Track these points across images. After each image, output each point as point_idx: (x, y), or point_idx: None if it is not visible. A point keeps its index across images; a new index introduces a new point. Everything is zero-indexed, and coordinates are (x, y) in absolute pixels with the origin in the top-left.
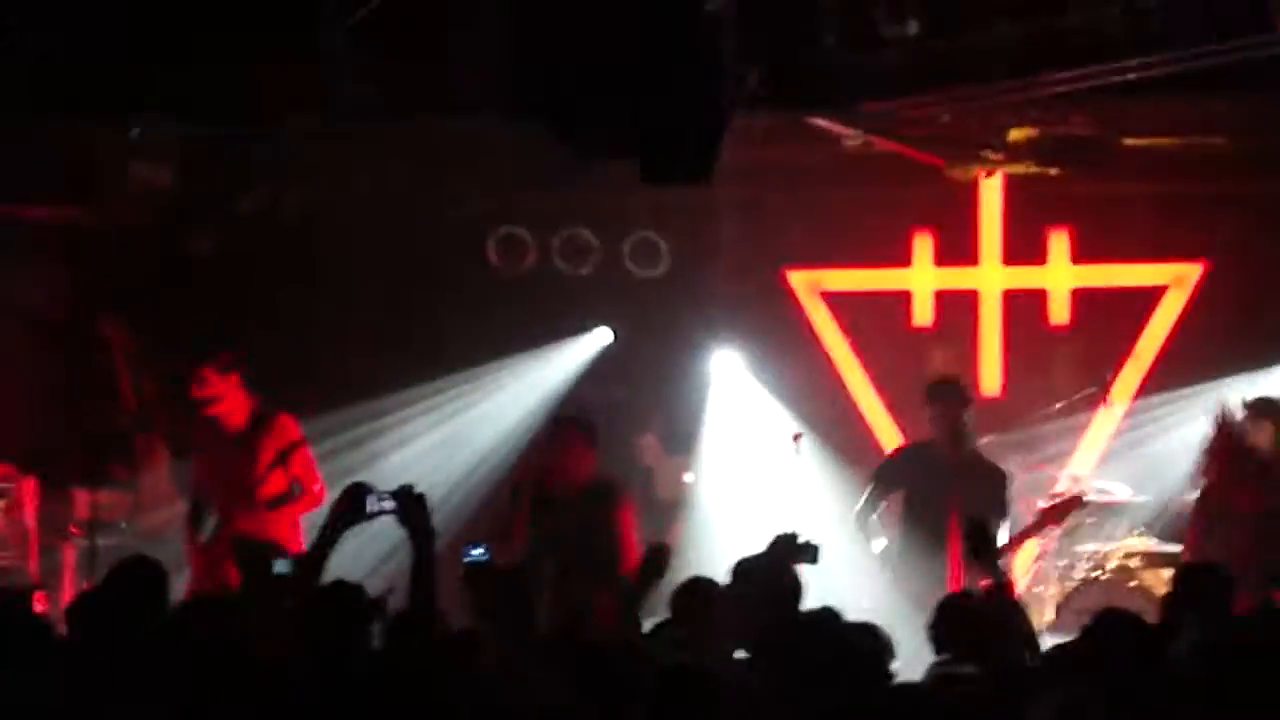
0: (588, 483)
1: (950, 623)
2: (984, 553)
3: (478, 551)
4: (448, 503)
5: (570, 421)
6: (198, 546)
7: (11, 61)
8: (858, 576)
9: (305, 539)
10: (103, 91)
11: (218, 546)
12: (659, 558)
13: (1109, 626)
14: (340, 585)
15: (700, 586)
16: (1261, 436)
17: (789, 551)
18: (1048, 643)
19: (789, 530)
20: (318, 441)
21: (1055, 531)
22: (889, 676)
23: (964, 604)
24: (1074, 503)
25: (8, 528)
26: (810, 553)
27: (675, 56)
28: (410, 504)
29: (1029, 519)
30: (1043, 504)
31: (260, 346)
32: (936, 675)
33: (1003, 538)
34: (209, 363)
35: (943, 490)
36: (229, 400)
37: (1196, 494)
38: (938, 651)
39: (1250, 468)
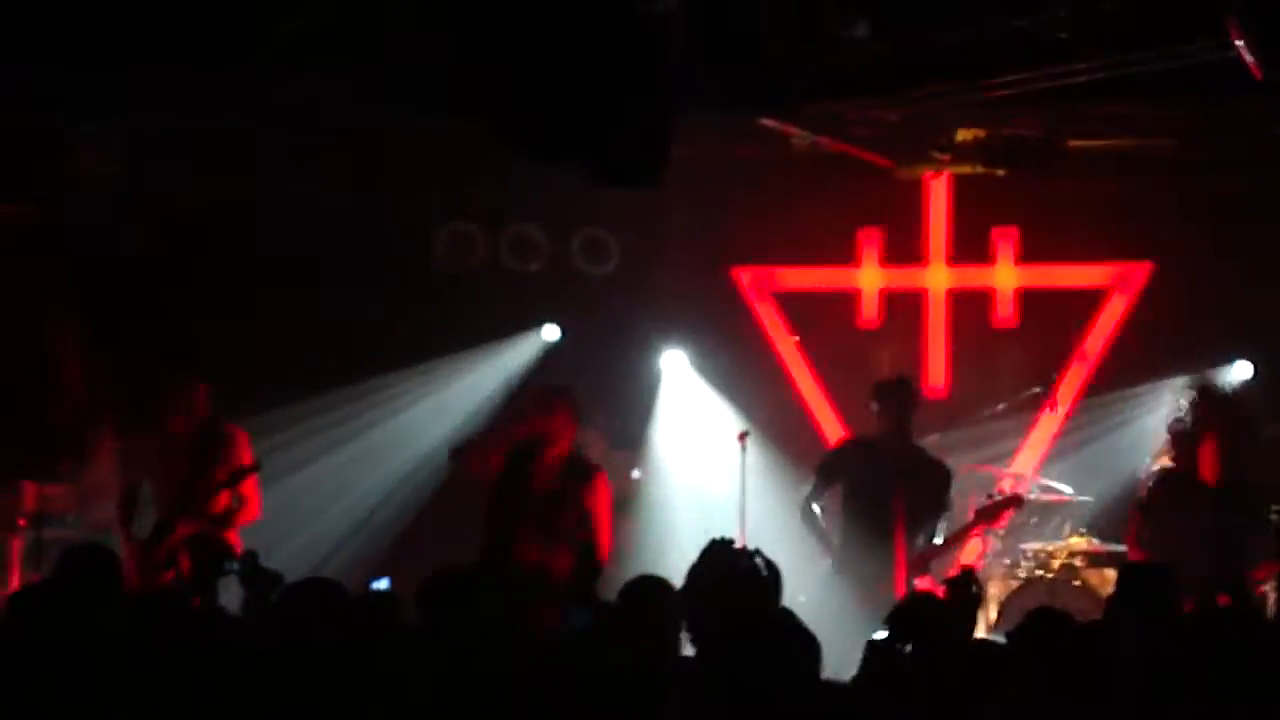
0: (569, 454)
1: (909, 616)
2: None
3: (381, 584)
4: (393, 498)
5: (563, 391)
6: (135, 545)
7: None
8: (797, 570)
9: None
10: (49, 86)
11: (157, 551)
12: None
13: (1041, 626)
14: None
15: (649, 584)
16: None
17: (725, 558)
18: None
19: (721, 537)
20: (265, 436)
21: (994, 531)
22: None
23: (928, 600)
24: (1011, 502)
25: None
26: (746, 558)
27: (623, 58)
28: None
29: (969, 518)
30: (980, 503)
31: (206, 341)
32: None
33: (941, 535)
34: (176, 391)
35: (886, 484)
36: (189, 419)
37: (1141, 491)
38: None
39: (1231, 431)
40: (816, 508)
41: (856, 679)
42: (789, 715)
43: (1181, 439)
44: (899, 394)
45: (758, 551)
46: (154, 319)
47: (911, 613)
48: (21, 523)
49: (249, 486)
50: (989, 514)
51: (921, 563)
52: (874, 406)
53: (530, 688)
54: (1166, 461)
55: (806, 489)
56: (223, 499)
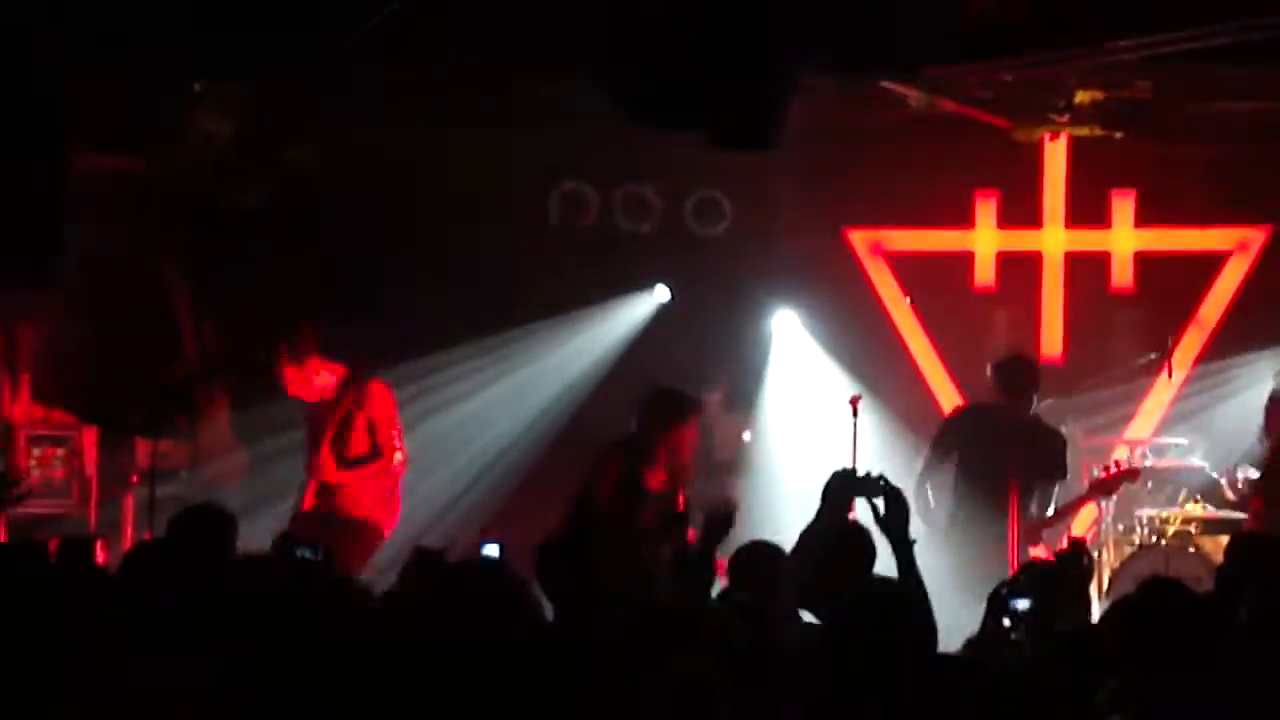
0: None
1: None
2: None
3: (491, 548)
4: (507, 455)
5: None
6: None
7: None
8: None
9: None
10: (168, 42)
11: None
12: (726, 516)
13: (1153, 594)
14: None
15: (761, 549)
16: None
17: (849, 488)
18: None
19: (842, 468)
20: None
21: (1109, 500)
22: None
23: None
24: (1129, 474)
25: (68, 476)
26: (872, 485)
27: (740, 21)
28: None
29: (1084, 486)
30: (1097, 473)
31: (320, 298)
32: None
33: (1055, 504)
34: (282, 354)
35: (1000, 452)
36: (310, 384)
37: (1261, 459)
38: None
39: None
40: (929, 488)
41: (976, 638)
42: (897, 679)
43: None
44: (1019, 378)
45: (882, 476)
46: (270, 275)
47: (1028, 578)
48: (135, 479)
49: (386, 437)
50: (1105, 487)
51: (1034, 533)
52: (991, 382)
53: (639, 654)
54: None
55: (920, 463)
56: (356, 446)
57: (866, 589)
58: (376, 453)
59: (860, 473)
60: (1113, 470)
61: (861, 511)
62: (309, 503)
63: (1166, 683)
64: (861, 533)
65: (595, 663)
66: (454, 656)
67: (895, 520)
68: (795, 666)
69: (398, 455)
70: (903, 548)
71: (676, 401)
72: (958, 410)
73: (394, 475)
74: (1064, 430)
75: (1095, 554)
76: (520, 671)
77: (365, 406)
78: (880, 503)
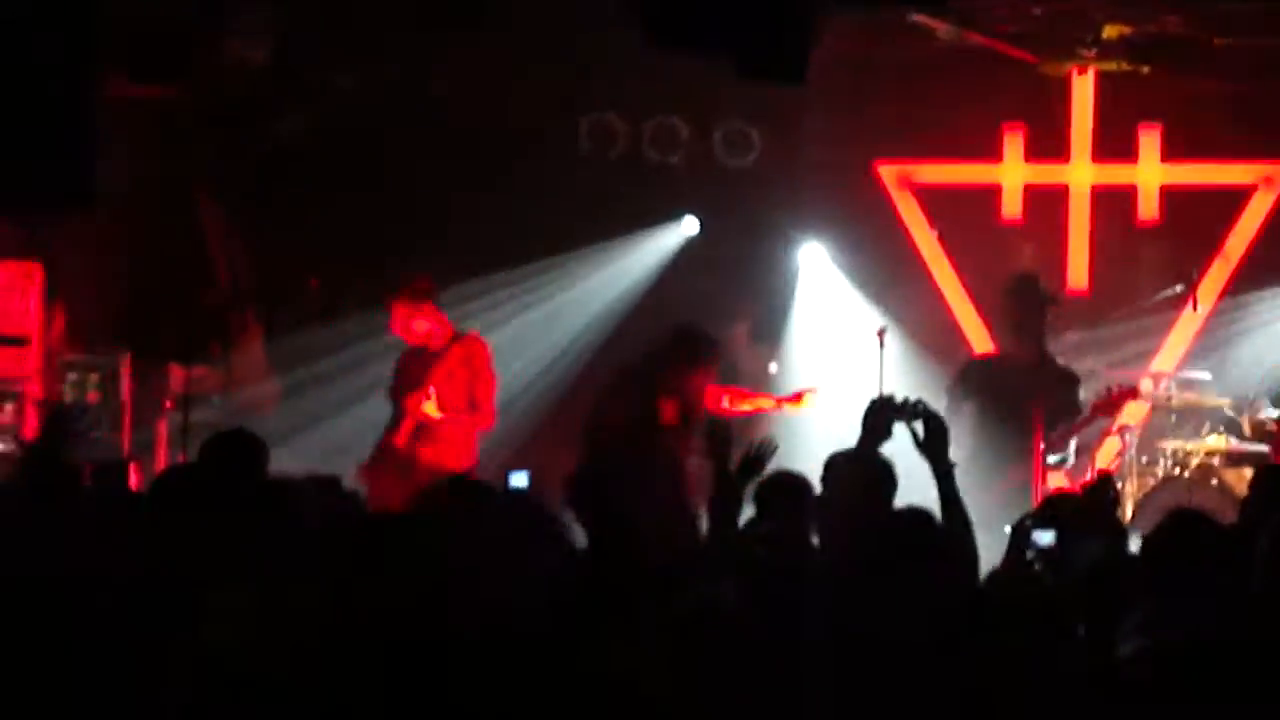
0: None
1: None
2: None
3: (519, 477)
4: (534, 386)
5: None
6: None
7: None
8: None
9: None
10: None
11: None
12: (763, 451)
13: (1176, 526)
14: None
15: (786, 480)
16: None
17: (890, 413)
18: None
19: (881, 394)
20: None
21: (1113, 423)
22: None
23: (1068, 499)
24: (1128, 395)
25: (102, 402)
26: (912, 409)
27: None
28: None
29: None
30: (1094, 399)
31: (351, 227)
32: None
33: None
34: (403, 293)
35: (1018, 397)
36: (416, 328)
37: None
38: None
39: None
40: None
41: (998, 571)
42: (920, 611)
43: None
44: (1030, 294)
45: (921, 401)
46: (302, 204)
47: (1052, 511)
48: (168, 405)
49: (483, 393)
50: (1106, 407)
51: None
52: (1004, 303)
53: (665, 586)
54: None
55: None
56: (453, 397)
57: (892, 522)
58: (474, 407)
59: (899, 399)
60: (1114, 391)
61: (901, 438)
62: (402, 441)
63: (1187, 613)
64: (884, 463)
65: (626, 591)
66: (483, 585)
67: (935, 445)
68: (821, 597)
69: (493, 415)
70: (944, 474)
71: (701, 342)
72: (971, 362)
73: (480, 430)
74: (1083, 366)
75: (1119, 485)
76: (549, 600)
77: (470, 363)
78: (920, 428)
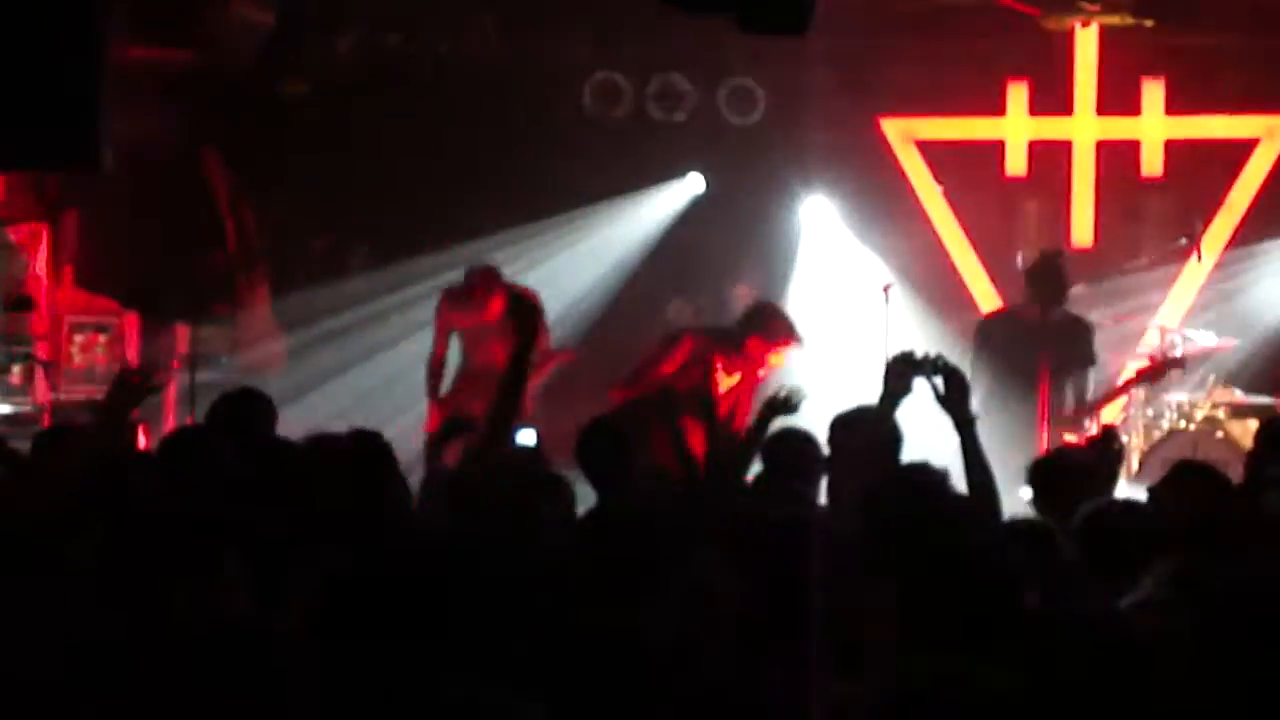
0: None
1: (1051, 474)
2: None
3: (526, 434)
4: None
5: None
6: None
7: None
8: (940, 440)
9: None
10: None
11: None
12: (792, 396)
13: (1183, 478)
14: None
15: (793, 436)
16: None
17: (910, 368)
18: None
19: (902, 350)
20: (414, 283)
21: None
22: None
23: (1068, 458)
24: (1174, 364)
25: (110, 363)
26: (932, 364)
27: None
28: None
29: (1119, 374)
30: (1137, 365)
31: (357, 187)
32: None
33: (1092, 391)
34: (478, 281)
35: (1031, 348)
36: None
37: None
38: (1034, 502)
39: None
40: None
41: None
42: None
43: None
44: (1050, 275)
45: (940, 355)
46: (308, 165)
47: (1052, 468)
48: (175, 365)
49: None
50: (1153, 375)
51: (1074, 421)
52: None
53: (672, 536)
54: None
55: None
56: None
57: (903, 474)
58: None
59: (919, 354)
60: (1158, 359)
61: (921, 392)
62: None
63: (1194, 566)
64: (893, 423)
65: (626, 550)
66: (484, 544)
67: (956, 399)
68: (827, 552)
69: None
70: (965, 426)
71: (782, 320)
72: (987, 318)
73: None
74: (1092, 317)
75: (1125, 439)
76: (547, 559)
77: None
78: (940, 382)
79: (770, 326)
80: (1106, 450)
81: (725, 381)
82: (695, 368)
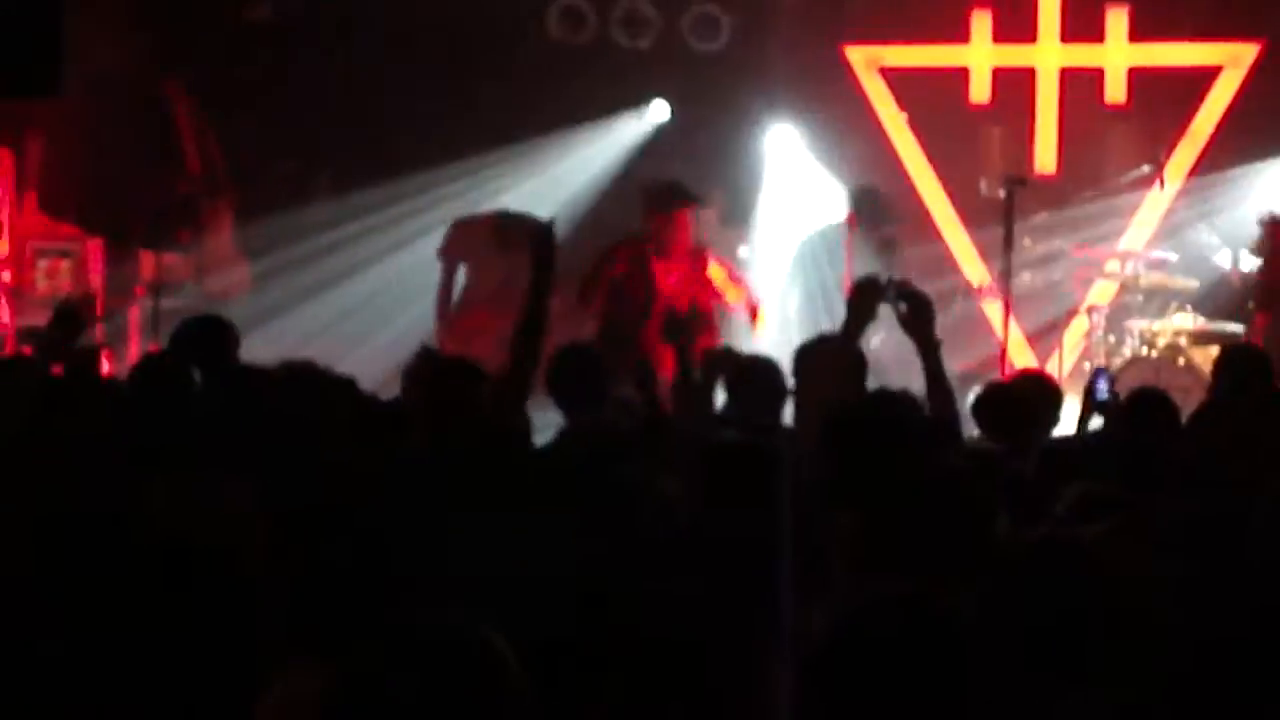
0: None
1: (992, 406)
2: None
3: None
4: None
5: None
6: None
7: None
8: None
9: None
10: None
11: None
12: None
13: (1143, 405)
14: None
15: (757, 364)
16: None
17: (875, 294)
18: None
19: (865, 275)
20: (378, 209)
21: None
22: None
23: (1007, 388)
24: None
25: (74, 289)
26: (897, 289)
27: None
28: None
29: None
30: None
31: (320, 112)
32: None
33: None
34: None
35: None
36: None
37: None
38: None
39: None
40: None
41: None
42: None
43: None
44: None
45: (906, 280)
46: (271, 90)
47: (994, 401)
48: (139, 292)
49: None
50: None
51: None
52: None
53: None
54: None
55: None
56: None
57: (870, 401)
58: None
59: (882, 280)
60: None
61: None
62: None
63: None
64: (856, 349)
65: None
66: (458, 461)
67: (920, 323)
68: (793, 481)
69: None
70: (929, 350)
71: (669, 189)
72: None
73: None
74: (1051, 247)
75: (1086, 366)
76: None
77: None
78: (903, 306)
79: (659, 198)
80: (1047, 386)
81: (666, 279)
82: (636, 271)
